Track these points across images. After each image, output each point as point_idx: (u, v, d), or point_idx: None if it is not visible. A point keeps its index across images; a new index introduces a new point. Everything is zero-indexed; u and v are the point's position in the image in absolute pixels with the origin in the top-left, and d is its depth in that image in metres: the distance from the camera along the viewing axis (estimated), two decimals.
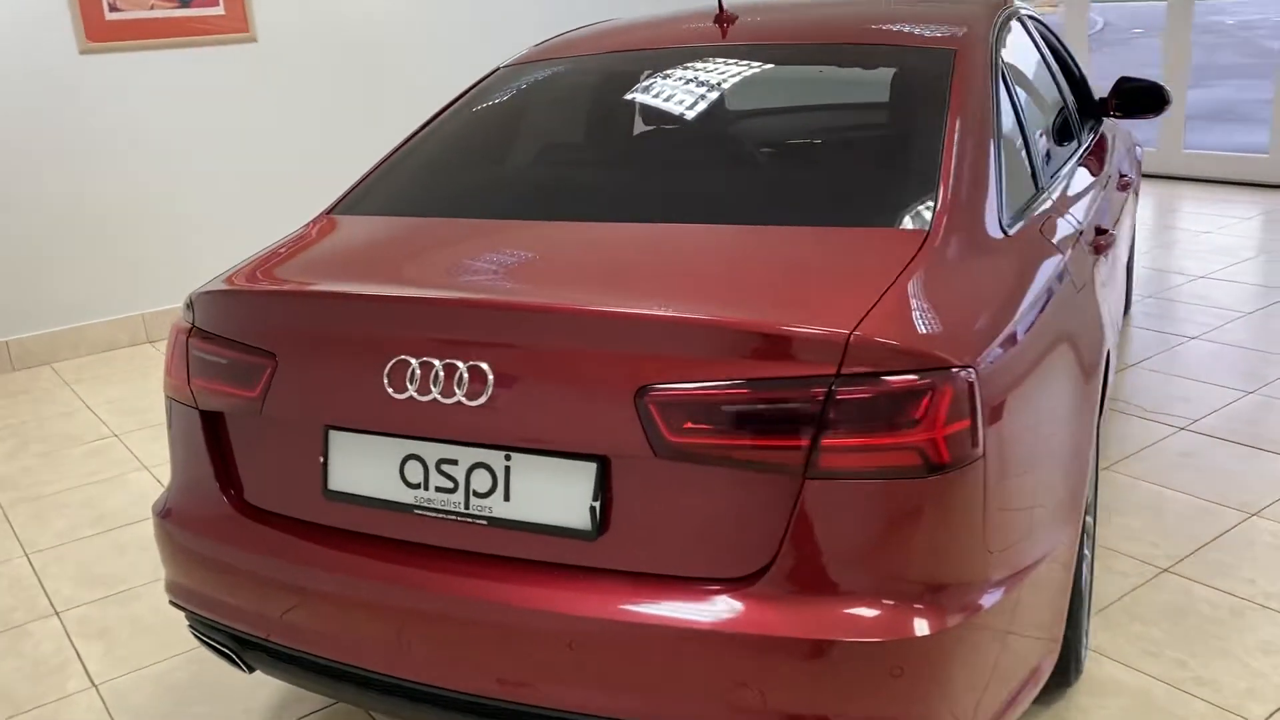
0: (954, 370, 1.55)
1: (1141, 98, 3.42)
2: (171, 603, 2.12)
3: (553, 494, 1.68)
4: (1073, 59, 3.54)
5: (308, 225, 2.36)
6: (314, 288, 1.88)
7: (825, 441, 1.53)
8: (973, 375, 1.57)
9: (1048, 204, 2.28)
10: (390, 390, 1.75)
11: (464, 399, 1.69)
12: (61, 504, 3.58)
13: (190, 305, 2.05)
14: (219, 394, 1.95)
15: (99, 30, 4.97)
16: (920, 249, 1.77)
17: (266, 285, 1.95)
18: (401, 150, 2.59)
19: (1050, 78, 3.04)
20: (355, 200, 2.43)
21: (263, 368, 1.89)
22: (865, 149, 2.22)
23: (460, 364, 1.70)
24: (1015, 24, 2.78)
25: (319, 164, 5.70)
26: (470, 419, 1.70)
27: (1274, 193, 6.91)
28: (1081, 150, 3.02)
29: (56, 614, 2.90)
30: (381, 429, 1.79)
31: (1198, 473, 3.24)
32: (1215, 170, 7.37)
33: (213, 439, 2.02)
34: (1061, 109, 3.03)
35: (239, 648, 2.02)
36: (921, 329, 1.59)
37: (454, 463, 1.75)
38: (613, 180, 2.28)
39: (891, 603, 1.56)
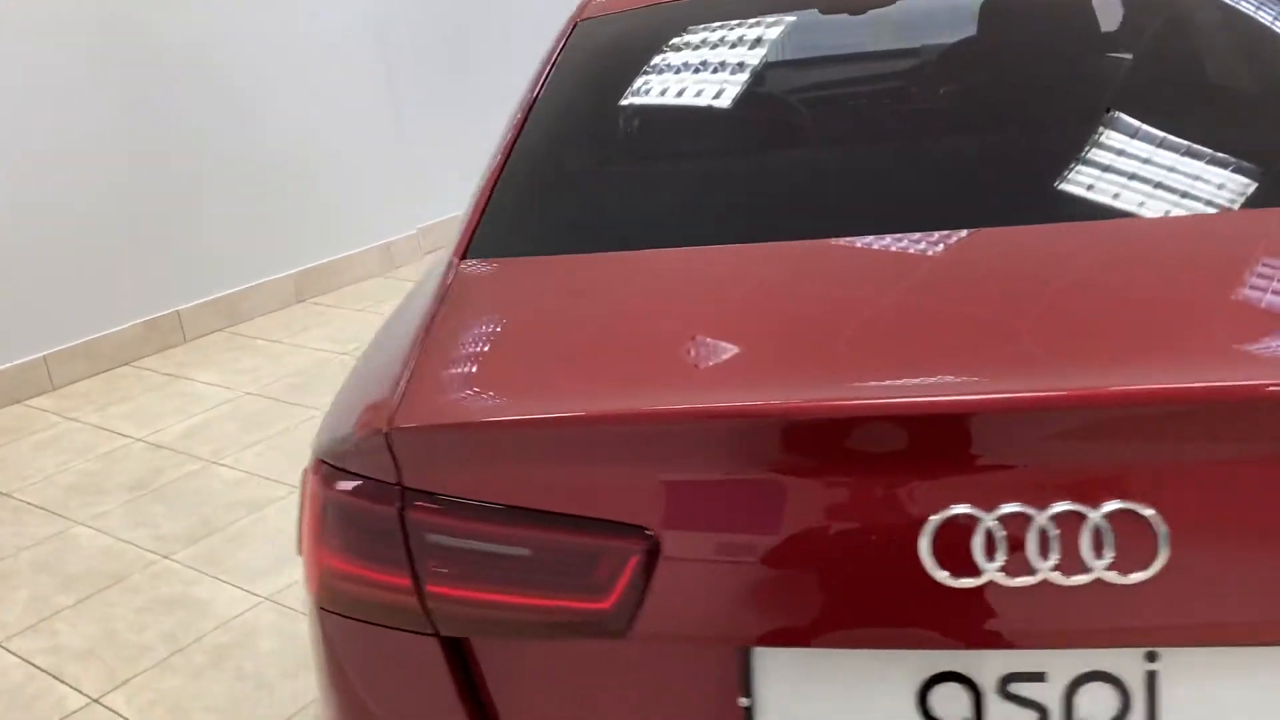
0: None
1: None
2: None
3: (1249, 711, 1.00)
4: None
5: (480, 275, 1.49)
6: (740, 403, 1.05)
7: None
8: None
9: None
10: (938, 572, 1.00)
11: (1107, 574, 0.97)
12: None
13: (387, 445, 1.15)
14: (517, 609, 1.12)
15: None
16: None
17: (613, 404, 1.09)
18: (560, 147, 1.78)
19: None
20: (557, 234, 1.60)
21: (623, 556, 1.08)
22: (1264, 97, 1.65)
23: (1089, 512, 0.97)
24: None
25: (75, 158, 4.44)
26: (1080, 603, 0.99)
27: None
28: None
29: None
30: (886, 641, 1.04)
31: None
32: None
33: (462, 681, 1.19)
34: None
35: None
36: None
37: (1037, 678, 1.03)
38: (1000, 160, 1.56)
39: None
